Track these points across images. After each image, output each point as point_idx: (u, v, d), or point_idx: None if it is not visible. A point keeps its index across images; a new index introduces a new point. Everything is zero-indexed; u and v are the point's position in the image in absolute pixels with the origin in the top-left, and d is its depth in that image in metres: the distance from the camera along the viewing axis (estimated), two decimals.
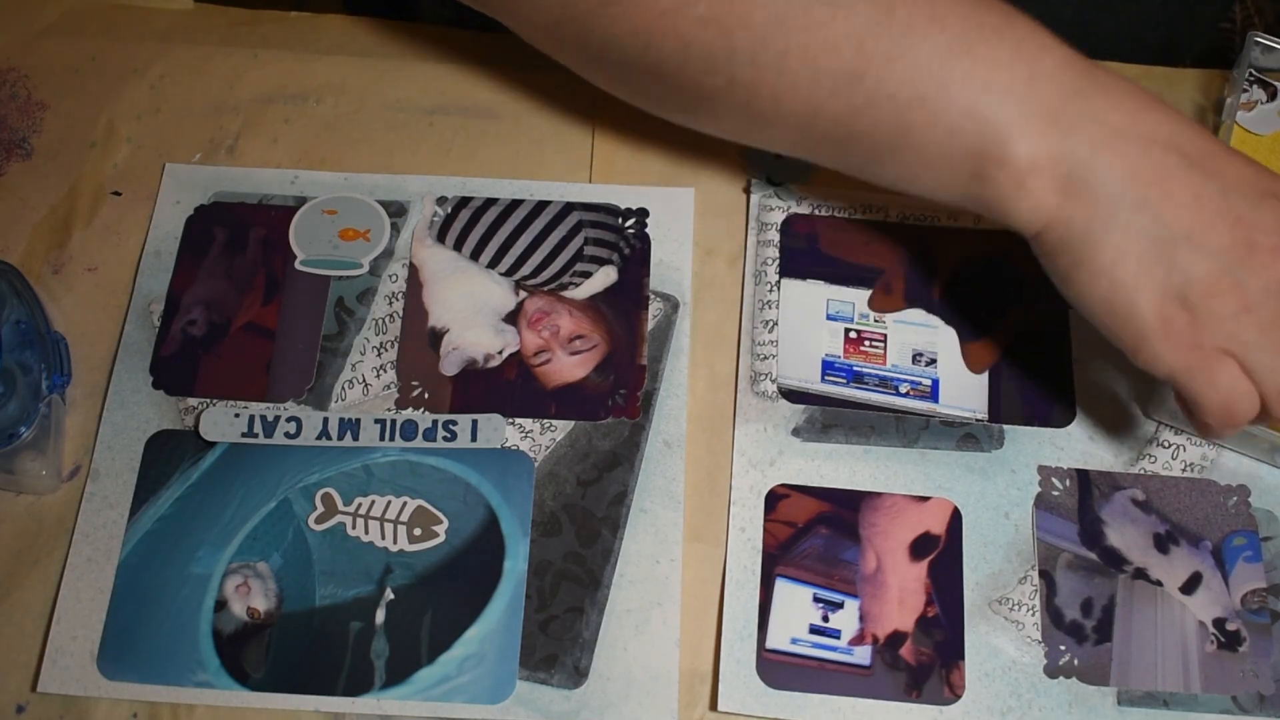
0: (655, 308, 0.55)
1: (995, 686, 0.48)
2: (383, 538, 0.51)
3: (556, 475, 0.52)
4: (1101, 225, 0.43)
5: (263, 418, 0.52)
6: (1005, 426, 0.52)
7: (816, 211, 0.57)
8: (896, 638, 0.49)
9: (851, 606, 0.49)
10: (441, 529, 0.51)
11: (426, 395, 0.53)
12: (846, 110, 0.45)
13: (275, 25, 0.63)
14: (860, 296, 0.55)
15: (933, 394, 0.53)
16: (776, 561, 0.50)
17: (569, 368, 0.54)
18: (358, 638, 0.49)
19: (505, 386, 0.53)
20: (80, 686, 0.48)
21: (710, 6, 0.45)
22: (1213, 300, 0.43)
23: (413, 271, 0.56)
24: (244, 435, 0.52)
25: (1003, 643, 0.49)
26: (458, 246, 0.56)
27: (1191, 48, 0.72)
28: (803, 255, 0.56)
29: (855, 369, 0.53)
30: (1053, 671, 0.48)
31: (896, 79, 0.44)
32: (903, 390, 0.53)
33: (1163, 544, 0.50)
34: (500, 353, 0.54)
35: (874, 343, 0.54)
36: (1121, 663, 0.48)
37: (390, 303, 0.55)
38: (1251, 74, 0.56)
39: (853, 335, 0.54)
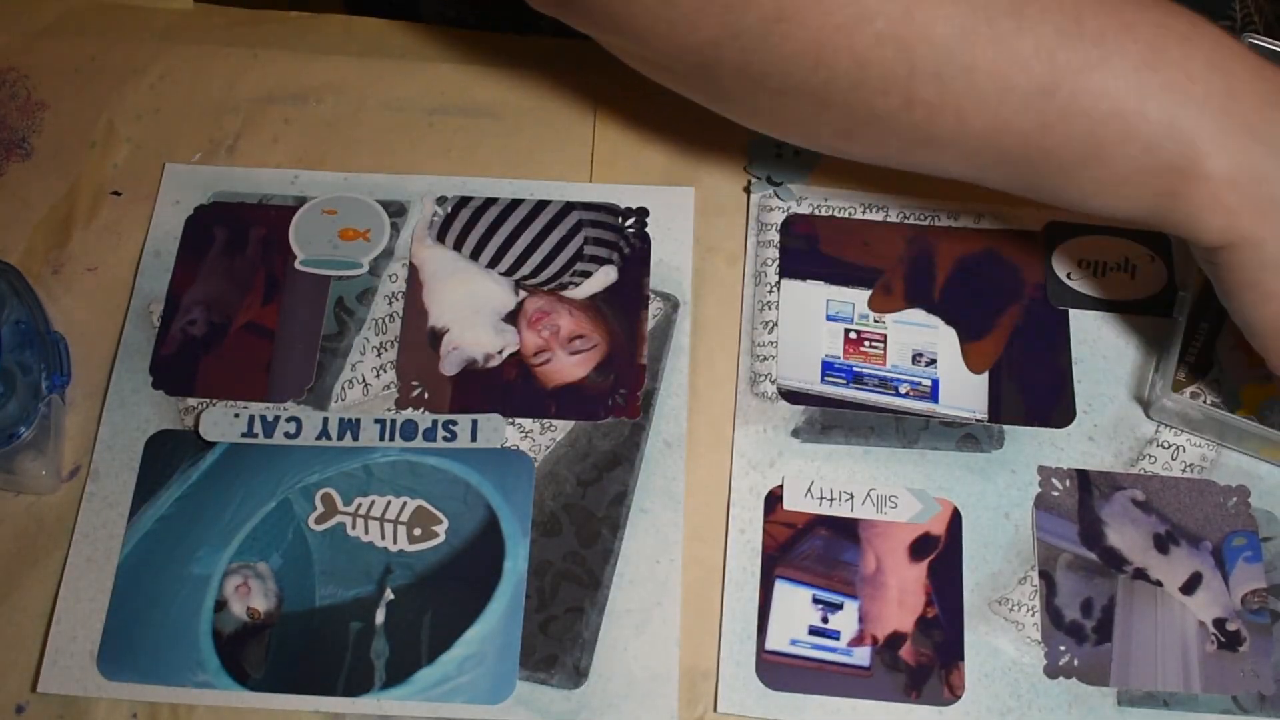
0: (655, 307, 0.55)
1: (995, 687, 0.48)
2: (383, 538, 0.51)
3: (556, 475, 0.52)
4: (1276, 236, 0.42)
5: (263, 418, 0.52)
6: (1005, 426, 0.52)
7: (816, 211, 0.57)
8: (896, 639, 0.49)
9: (851, 608, 0.49)
10: (441, 529, 0.51)
11: (426, 395, 0.53)
12: (1036, 127, 0.43)
13: (275, 25, 0.63)
14: (860, 297, 0.55)
15: (933, 394, 0.53)
16: (776, 563, 0.50)
17: (569, 367, 0.54)
18: (358, 638, 0.49)
19: (505, 386, 0.53)
20: (80, 686, 0.48)
21: (890, 22, 0.42)
22: None
23: (413, 271, 0.56)
24: (244, 435, 0.52)
25: (1002, 643, 0.49)
26: (458, 246, 0.56)
27: None
28: (803, 255, 0.56)
29: (855, 369, 0.53)
30: (1053, 672, 0.48)
31: (1092, 93, 0.42)
32: (902, 391, 0.53)
33: (1163, 544, 0.50)
34: (500, 353, 0.54)
35: (874, 343, 0.54)
36: (1121, 663, 0.48)
37: (390, 303, 0.55)
38: None
39: (852, 336, 0.54)
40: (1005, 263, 0.56)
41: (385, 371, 0.54)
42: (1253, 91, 0.42)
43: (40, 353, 0.53)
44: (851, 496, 0.51)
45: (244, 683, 0.48)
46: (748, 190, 0.58)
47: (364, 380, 0.54)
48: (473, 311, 0.55)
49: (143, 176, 0.59)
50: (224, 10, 0.64)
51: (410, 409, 0.53)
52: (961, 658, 0.48)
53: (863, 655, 0.48)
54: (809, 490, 0.51)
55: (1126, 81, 0.42)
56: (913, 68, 0.42)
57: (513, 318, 0.55)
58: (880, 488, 0.51)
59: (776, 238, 0.56)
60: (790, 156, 0.58)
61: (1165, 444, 0.52)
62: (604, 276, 0.56)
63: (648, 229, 0.57)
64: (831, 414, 0.52)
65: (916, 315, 0.55)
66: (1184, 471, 0.52)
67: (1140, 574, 0.50)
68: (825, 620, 0.49)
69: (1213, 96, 0.42)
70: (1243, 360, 0.52)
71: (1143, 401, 0.53)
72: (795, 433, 0.52)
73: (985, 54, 0.42)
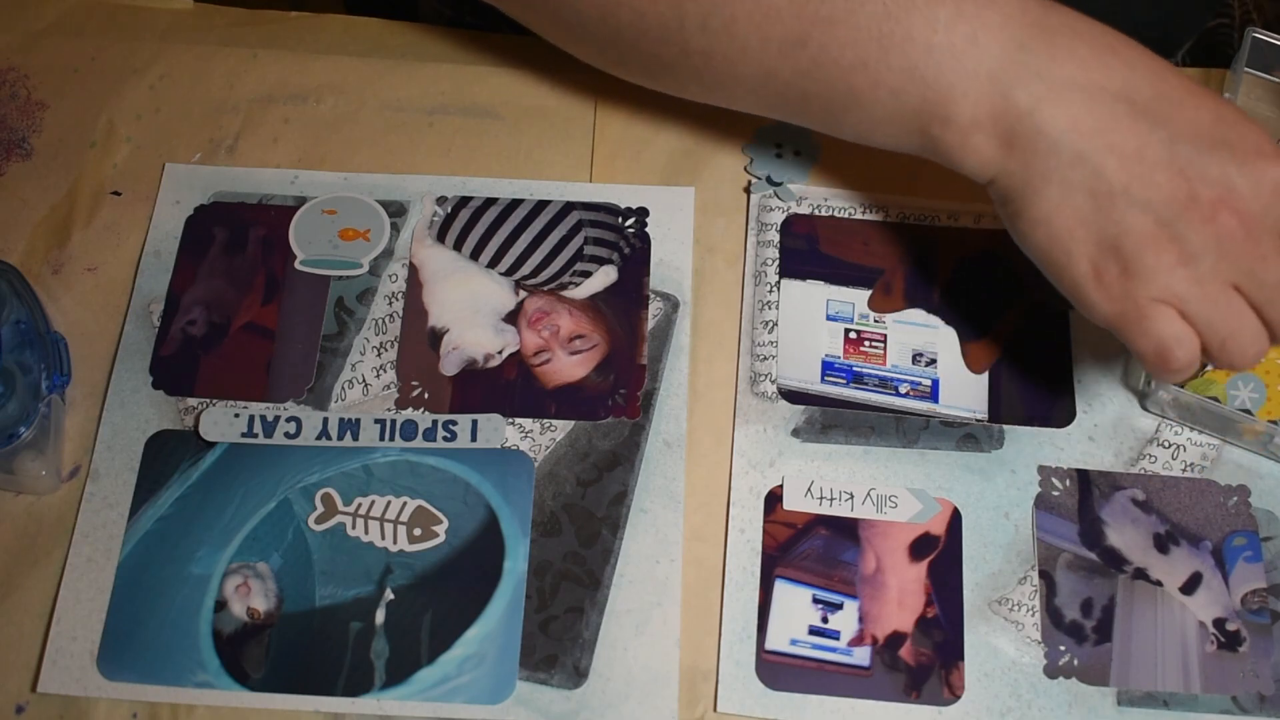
0: (655, 307, 0.55)
1: (995, 687, 0.48)
2: (383, 538, 0.51)
3: (556, 475, 0.52)
4: (1040, 178, 0.45)
5: (263, 418, 0.52)
6: (1005, 426, 0.52)
7: (816, 211, 0.57)
8: (896, 638, 0.49)
9: (851, 607, 0.49)
10: (441, 529, 0.51)
11: (426, 395, 0.53)
12: (795, 74, 0.48)
13: (275, 25, 0.63)
14: (860, 297, 0.55)
15: (933, 394, 0.53)
16: (776, 563, 0.50)
17: (569, 367, 0.54)
18: (358, 638, 0.49)
19: (505, 386, 0.53)
20: (80, 686, 0.48)
21: None
22: (1147, 254, 0.43)
23: (413, 271, 0.56)
24: (244, 435, 0.52)
25: (1002, 643, 0.49)
26: (458, 246, 0.56)
27: (1185, 44, 0.72)
28: (803, 255, 0.56)
29: (855, 369, 0.53)
30: (1052, 672, 0.48)
31: (839, 43, 0.46)
32: (903, 390, 0.53)
33: (1163, 544, 0.50)
34: (500, 353, 0.54)
35: (874, 343, 0.54)
36: (1121, 663, 0.48)
37: (390, 303, 0.55)
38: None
39: (852, 335, 0.54)
40: (1005, 263, 0.56)
41: (385, 371, 0.54)
42: (1000, 35, 0.44)
43: (40, 353, 0.53)
44: (851, 496, 0.51)
45: (244, 683, 0.48)
46: (748, 190, 0.58)
47: (364, 380, 0.54)
48: (473, 311, 0.55)
49: (143, 176, 0.59)
50: (224, 10, 0.64)
51: (410, 409, 0.53)
52: (961, 658, 0.48)
53: (863, 655, 0.48)
54: (809, 490, 0.51)
55: (869, 32, 0.45)
56: (682, 21, 0.48)
57: (513, 318, 0.55)
58: (880, 488, 0.51)
59: (776, 238, 0.56)
60: (790, 156, 0.58)
61: (1165, 443, 0.52)
62: (604, 276, 0.56)
63: (648, 229, 0.57)
64: (831, 414, 0.52)
65: (916, 315, 0.55)
66: (1184, 471, 0.52)
67: (1140, 574, 0.50)
68: (825, 620, 0.49)
69: (956, 43, 0.45)
70: None
71: (1139, 394, 0.53)
72: (795, 433, 0.52)
73: (744, 6, 0.47)
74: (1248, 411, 0.50)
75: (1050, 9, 0.46)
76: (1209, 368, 0.52)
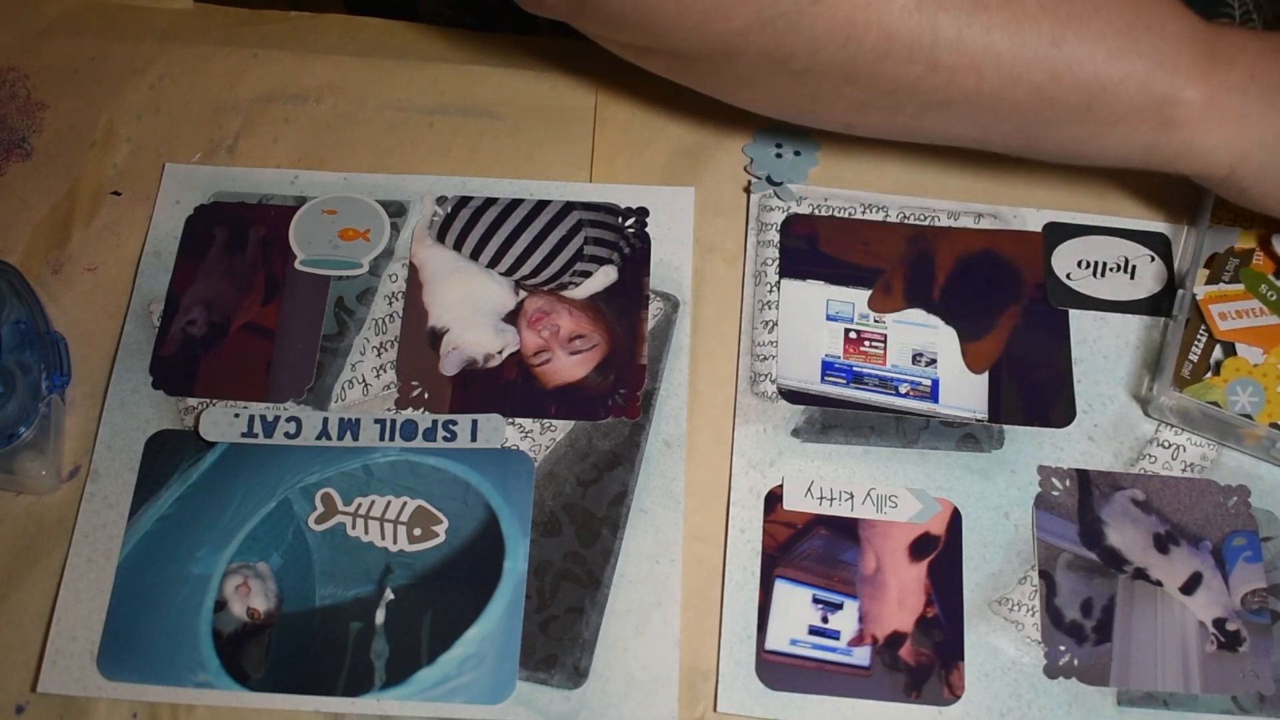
0: (655, 307, 0.55)
1: (995, 687, 0.48)
2: (383, 538, 0.51)
3: (556, 475, 0.52)
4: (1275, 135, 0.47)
5: (263, 418, 0.52)
6: (1005, 426, 0.52)
7: (816, 211, 0.57)
8: (896, 638, 0.49)
9: (851, 607, 0.49)
10: (441, 529, 0.51)
11: (426, 395, 0.53)
12: (1047, 77, 0.47)
13: (275, 25, 0.63)
14: (860, 296, 0.55)
15: (933, 394, 0.53)
16: (776, 563, 0.50)
17: (569, 367, 0.54)
18: (358, 638, 0.49)
19: (505, 386, 0.53)
20: (80, 686, 0.48)
21: None
22: None
23: (413, 271, 0.56)
24: (244, 435, 0.52)
25: (1002, 643, 0.49)
26: (458, 246, 0.56)
27: None
28: (803, 255, 0.56)
29: (855, 369, 0.53)
30: (1052, 672, 0.48)
31: (1092, 38, 0.46)
32: (902, 390, 0.53)
33: (1163, 544, 0.50)
34: (500, 353, 0.54)
35: (874, 343, 0.54)
36: (1121, 663, 0.48)
37: (390, 303, 0.55)
38: None
39: (852, 335, 0.54)
40: (1005, 263, 0.56)
41: (385, 371, 0.54)
42: (1196, 26, 0.48)
43: (40, 353, 0.53)
44: (851, 496, 0.51)
45: (244, 683, 0.48)
46: (748, 190, 0.58)
47: (364, 380, 0.54)
48: (473, 311, 0.55)
49: (143, 176, 0.59)
50: (224, 10, 0.64)
51: (410, 409, 0.53)
52: (961, 658, 0.48)
53: (863, 655, 0.48)
54: (809, 490, 0.51)
55: (1117, 25, 0.46)
56: (936, 36, 0.45)
57: (513, 318, 0.55)
58: (880, 488, 0.51)
59: (776, 238, 0.56)
60: (790, 157, 0.58)
61: (1165, 444, 0.52)
62: (604, 276, 0.56)
63: (648, 229, 0.57)
64: (831, 414, 0.52)
65: (916, 315, 0.55)
66: (1184, 471, 0.52)
67: (1140, 574, 0.50)
68: (825, 620, 0.49)
69: (1184, 31, 0.47)
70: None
71: (1141, 399, 0.53)
72: (795, 432, 0.52)
73: (1000, 14, 0.46)
74: (1248, 416, 0.50)
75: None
76: (1209, 375, 0.52)
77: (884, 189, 0.58)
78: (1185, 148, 0.48)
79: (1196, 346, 0.52)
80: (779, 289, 0.55)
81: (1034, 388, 0.53)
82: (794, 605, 0.49)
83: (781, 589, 0.49)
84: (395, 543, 0.50)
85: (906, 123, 0.50)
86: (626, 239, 0.56)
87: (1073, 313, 0.55)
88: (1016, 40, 0.46)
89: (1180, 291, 0.53)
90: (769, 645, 0.48)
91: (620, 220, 0.57)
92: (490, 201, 0.57)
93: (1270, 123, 0.47)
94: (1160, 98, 0.47)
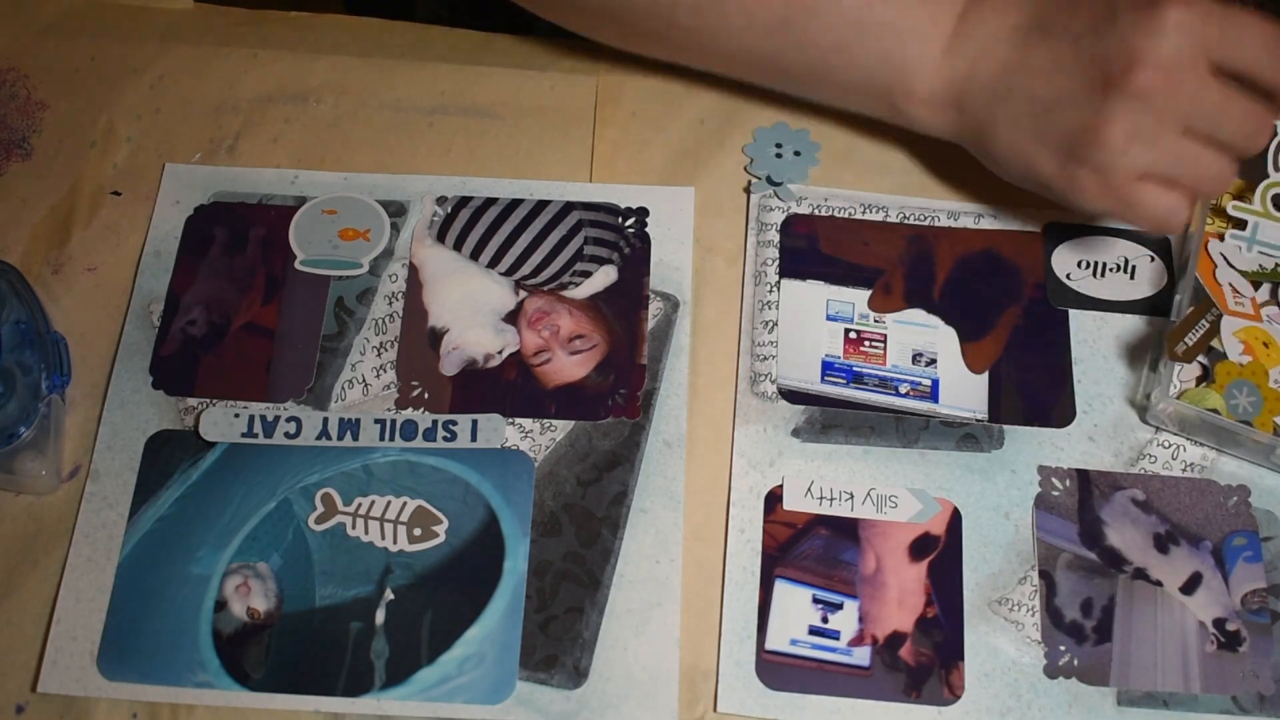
0: (655, 307, 0.55)
1: (995, 687, 0.48)
2: (383, 538, 0.51)
3: (556, 475, 0.52)
4: (991, 123, 0.51)
5: (263, 418, 0.52)
6: (1005, 426, 0.52)
7: (816, 211, 0.57)
8: (896, 638, 0.49)
9: (851, 607, 0.49)
10: (441, 529, 0.51)
11: (426, 395, 0.53)
12: (775, 52, 0.52)
13: (275, 25, 0.63)
14: (860, 296, 0.55)
15: (933, 394, 0.53)
16: (776, 563, 0.50)
17: (569, 367, 0.54)
18: (358, 638, 0.49)
19: (505, 386, 0.53)
20: (80, 686, 0.48)
21: None
22: (1096, 146, 0.47)
23: (412, 271, 0.56)
24: (244, 435, 0.52)
25: (1002, 643, 0.49)
26: (458, 246, 0.56)
27: None
28: (803, 255, 0.56)
29: (855, 369, 0.53)
30: (1052, 672, 0.48)
31: (819, 27, 0.51)
32: (902, 390, 0.53)
33: (1163, 544, 0.50)
34: (500, 353, 0.54)
35: (874, 343, 0.54)
36: (1121, 663, 0.48)
37: (390, 303, 0.55)
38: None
39: (852, 335, 0.54)
40: (1005, 263, 0.56)
41: (385, 371, 0.54)
42: (951, 10, 0.50)
43: (40, 353, 0.53)
44: (851, 496, 0.51)
45: (244, 683, 0.48)
46: (748, 190, 0.58)
47: (364, 380, 0.54)
48: (473, 311, 0.55)
49: (143, 176, 0.59)
50: (224, 10, 0.64)
51: (410, 409, 0.53)
52: (961, 658, 0.48)
53: (863, 655, 0.48)
54: (809, 490, 0.51)
55: (847, 18, 0.50)
56: (675, 3, 0.52)
57: (513, 318, 0.55)
58: (880, 488, 0.51)
59: (776, 238, 0.56)
60: (790, 157, 0.58)
61: (1165, 443, 0.52)
62: (604, 276, 0.56)
63: (648, 229, 0.57)
64: (831, 414, 0.52)
65: (916, 315, 0.55)
66: (1184, 471, 0.52)
67: (1140, 574, 0.50)
68: (825, 620, 0.49)
69: (921, 24, 0.50)
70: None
71: (1138, 405, 0.53)
72: (795, 432, 0.52)
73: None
74: (1247, 423, 0.50)
75: None
76: (1206, 383, 0.52)
77: (884, 189, 0.58)
78: (912, 126, 0.53)
79: (1195, 333, 0.52)
80: (779, 289, 0.55)
81: (1034, 388, 0.53)
82: (794, 605, 0.49)
83: (781, 589, 0.49)
84: (395, 543, 0.50)
85: (674, 59, 0.57)
86: (626, 239, 0.56)
87: (1073, 313, 0.55)
88: (747, 17, 0.51)
89: (1178, 296, 0.53)
90: (769, 645, 0.48)
91: (620, 220, 0.57)
92: (490, 201, 0.57)
93: (975, 111, 0.51)
94: (883, 87, 0.52)
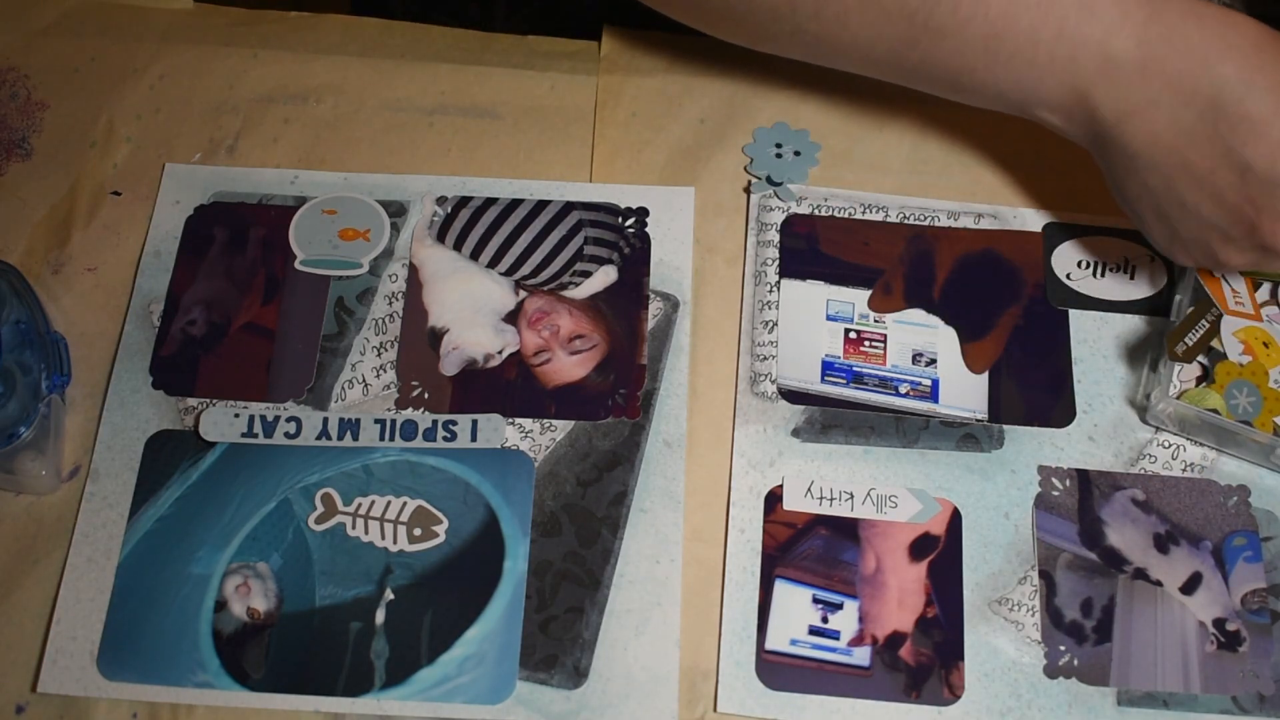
0: (655, 307, 0.55)
1: (995, 687, 0.48)
2: (383, 538, 0.51)
3: (556, 475, 0.52)
4: (1123, 171, 0.49)
5: (263, 418, 0.52)
6: (1005, 426, 0.52)
7: (816, 211, 0.57)
8: (896, 638, 0.49)
9: (851, 607, 0.49)
10: (441, 529, 0.51)
11: (426, 395, 0.53)
12: (902, 67, 0.51)
13: (275, 25, 0.63)
14: (860, 296, 0.55)
15: (933, 394, 0.53)
16: (776, 563, 0.50)
17: (569, 367, 0.54)
18: (358, 638, 0.49)
19: (505, 386, 0.53)
20: (80, 686, 0.48)
21: None
22: (1212, 252, 0.49)
23: (412, 271, 0.56)
24: (244, 435, 0.52)
25: (1002, 643, 0.49)
26: (458, 246, 0.56)
27: None
28: (803, 255, 0.56)
29: (855, 369, 0.53)
30: (1052, 672, 0.48)
31: (946, 51, 0.49)
32: (902, 390, 0.53)
33: (1163, 544, 0.50)
34: (500, 353, 0.54)
35: (874, 343, 0.54)
36: (1121, 663, 0.48)
37: (390, 303, 0.55)
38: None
39: (852, 336, 0.54)
40: (1005, 263, 0.56)
41: (385, 371, 0.54)
42: (1100, 50, 0.47)
43: (40, 353, 0.53)
44: (851, 496, 0.51)
45: (244, 683, 0.48)
46: (748, 190, 0.58)
47: (364, 380, 0.54)
48: (473, 311, 0.55)
49: (143, 176, 0.59)
50: (224, 10, 0.64)
51: (410, 409, 0.53)
52: (961, 658, 0.48)
53: (863, 655, 0.48)
54: (809, 490, 0.51)
55: (976, 46, 0.48)
56: (795, 7, 0.50)
57: (513, 318, 0.55)
58: (880, 488, 0.51)
59: (776, 238, 0.56)
60: (790, 156, 0.58)
61: (1165, 443, 0.52)
62: (604, 276, 0.56)
63: (648, 229, 0.57)
64: (831, 414, 0.52)
65: (916, 315, 0.55)
66: (1184, 471, 0.52)
67: (1140, 574, 0.50)
68: (825, 620, 0.49)
69: (1056, 61, 0.47)
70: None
71: (1138, 406, 0.53)
72: (795, 432, 0.52)
73: (855, 3, 0.49)
74: (1246, 423, 0.50)
75: (1156, 11, 0.46)
76: (1206, 383, 0.52)
77: (884, 189, 0.58)
78: (1050, 129, 0.51)
79: (1195, 333, 0.52)
80: (779, 289, 0.55)
81: (1034, 388, 0.53)
82: (794, 605, 0.49)
83: (781, 589, 0.49)
84: (395, 543, 0.50)
85: (804, 58, 0.54)
86: (626, 239, 0.56)
87: (1073, 313, 0.55)
88: (869, 31, 0.49)
89: (1178, 296, 0.53)
90: (769, 645, 0.48)
91: (620, 220, 0.57)
92: (490, 201, 0.57)
93: (1114, 153, 0.49)
94: (1015, 106, 0.50)
